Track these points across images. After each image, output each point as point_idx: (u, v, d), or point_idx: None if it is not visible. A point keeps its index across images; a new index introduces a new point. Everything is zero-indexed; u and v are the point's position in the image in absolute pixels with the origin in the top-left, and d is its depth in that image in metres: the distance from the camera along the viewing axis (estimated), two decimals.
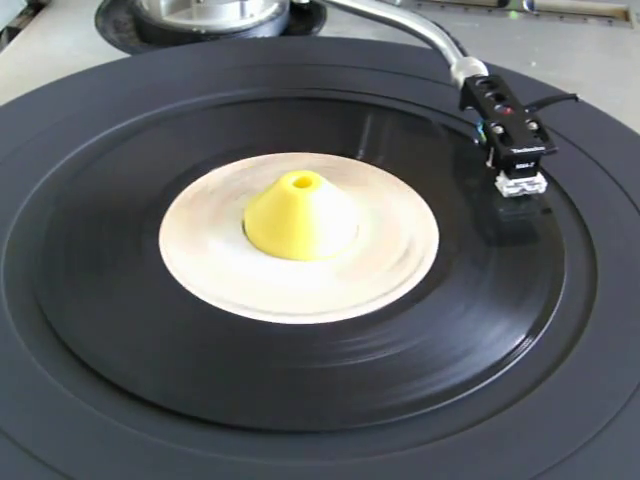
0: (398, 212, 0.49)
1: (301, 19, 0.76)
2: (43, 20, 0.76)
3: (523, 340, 0.41)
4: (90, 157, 0.52)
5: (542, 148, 0.48)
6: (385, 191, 0.51)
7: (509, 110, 0.51)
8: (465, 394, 0.38)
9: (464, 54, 0.57)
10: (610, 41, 0.75)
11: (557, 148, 0.48)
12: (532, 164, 0.48)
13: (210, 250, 0.46)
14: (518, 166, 0.48)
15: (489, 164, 0.51)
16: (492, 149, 0.50)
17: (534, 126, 0.49)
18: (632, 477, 0.36)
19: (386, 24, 0.64)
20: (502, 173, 0.49)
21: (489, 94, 0.52)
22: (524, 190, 0.49)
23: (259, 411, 0.38)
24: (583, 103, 0.54)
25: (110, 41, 0.72)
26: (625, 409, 0.38)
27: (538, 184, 0.49)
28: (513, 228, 0.49)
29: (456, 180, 0.53)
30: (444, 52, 0.58)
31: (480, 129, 0.50)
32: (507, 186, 0.49)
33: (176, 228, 0.47)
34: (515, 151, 0.48)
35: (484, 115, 0.51)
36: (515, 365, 0.40)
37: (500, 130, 0.49)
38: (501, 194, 0.49)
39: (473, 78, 0.54)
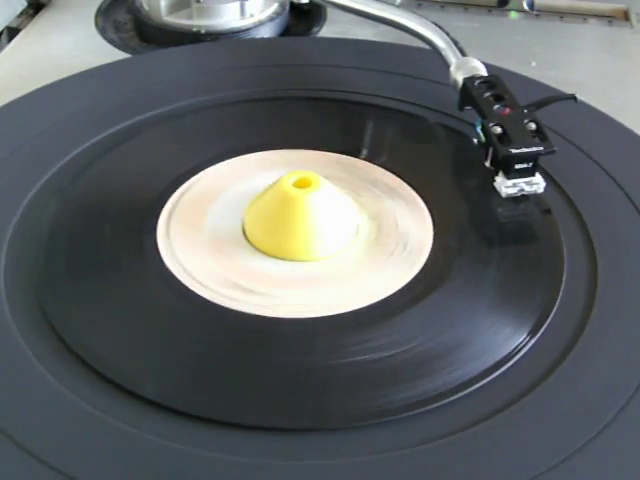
0: (398, 212, 0.49)
1: (301, 19, 0.76)
2: (43, 20, 0.76)
3: (523, 340, 0.41)
4: (90, 157, 0.52)
5: (540, 148, 0.48)
6: (385, 191, 0.51)
7: (508, 110, 0.51)
8: (465, 394, 0.38)
9: (463, 54, 0.57)
10: (610, 41, 0.75)
11: (556, 148, 0.48)
12: (530, 164, 0.48)
13: (210, 250, 0.46)
14: (517, 166, 0.48)
15: (487, 164, 0.51)
16: (491, 149, 0.50)
17: (533, 126, 0.49)
18: (632, 477, 0.36)
19: (386, 24, 0.64)
20: (501, 173, 0.49)
21: (488, 94, 0.52)
22: (522, 190, 0.49)
23: (260, 410, 0.38)
24: (583, 103, 0.54)
25: (110, 41, 0.72)
26: (625, 409, 0.38)
27: (537, 184, 0.49)
28: (513, 228, 0.49)
29: (456, 180, 0.53)
30: (443, 52, 0.58)
31: (479, 129, 0.50)
32: (505, 186, 0.49)
33: (176, 228, 0.47)
34: (513, 151, 0.48)
35: (483, 115, 0.51)
36: (515, 365, 0.40)
37: (499, 130, 0.49)
38: (500, 194, 0.49)
39: (472, 78, 0.54)
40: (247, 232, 0.47)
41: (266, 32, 0.72)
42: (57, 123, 0.55)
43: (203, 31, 0.70)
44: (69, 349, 0.40)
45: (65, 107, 0.57)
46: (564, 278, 0.44)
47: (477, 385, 0.39)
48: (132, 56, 0.68)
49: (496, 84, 0.53)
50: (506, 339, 0.41)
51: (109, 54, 0.69)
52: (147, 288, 0.44)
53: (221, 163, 0.52)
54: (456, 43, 0.58)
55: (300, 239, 0.46)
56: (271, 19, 0.73)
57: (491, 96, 0.52)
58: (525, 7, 0.78)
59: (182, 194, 0.50)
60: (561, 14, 0.79)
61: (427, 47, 0.61)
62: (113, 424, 0.37)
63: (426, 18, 0.61)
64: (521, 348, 0.41)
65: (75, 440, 0.36)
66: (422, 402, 0.38)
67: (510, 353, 0.40)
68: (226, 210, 0.49)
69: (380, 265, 0.45)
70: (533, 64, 0.69)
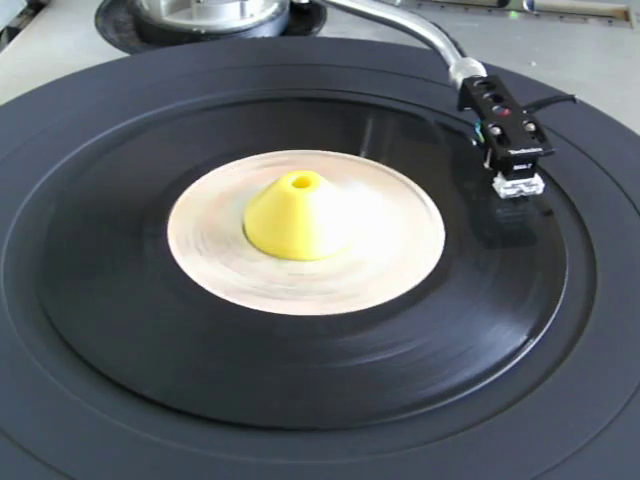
0: (397, 212, 0.49)
1: (301, 19, 0.77)
2: (43, 20, 0.76)
3: (524, 340, 0.41)
4: (90, 157, 0.52)
5: (539, 149, 0.48)
6: (385, 191, 0.51)
7: (507, 111, 0.50)
8: (465, 394, 0.38)
9: (463, 55, 0.57)
10: (610, 41, 0.75)
11: (555, 149, 0.48)
12: (529, 165, 0.48)
13: (210, 250, 0.46)
14: (515, 167, 0.48)
15: (486, 165, 0.51)
16: (490, 150, 0.50)
17: (532, 127, 0.49)
18: (632, 477, 0.36)
19: (385, 25, 0.64)
20: (499, 174, 0.49)
21: (487, 95, 0.52)
22: (521, 191, 0.49)
23: (259, 409, 0.38)
24: (583, 103, 0.54)
25: (110, 41, 0.72)
26: (625, 409, 0.38)
27: (535, 185, 0.49)
28: (513, 229, 0.49)
29: (456, 181, 0.53)
30: (443, 53, 0.58)
31: (478, 130, 0.50)
32: (504, 187, 0.49)
33: (176, 228, 0.47)
34: (512, 152, 0.48)
35: (482, 116, 0.51)
36: (515, 365, 0.40)
37: (498, 131, 0.49)
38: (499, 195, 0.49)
39: (471, 79, 0.54)
40: (247, 231, 0.47)
41: (266, 32, 0.72)
42: (57, 123, 0.55)
43: (203, 31, 0.70)
44: (69, 349, 0.40)
45: (65, 107, 0.57)
46: (565, 279, 0.44)
47: (477, 386, 0.39)
48: (132, 56, 0.68)
49: (495, 85, 0.53)
50: (507, 339, 0.41)
51: (109, 54, 0.69)
52: (147, 288, 0.44)
53: (221, 163, 0.52)
54: (456, 44, 0.58)
55: (300, 238, 0.46)
56: (271, 19, 0.73)
57: (490, 97, 0.52)
58: (525, 7, 0.78)
59: (182, 194, 0.50)
60: (561, 14, 0.79)
61: (427, 47, 0.61)
62: (113, 424, 0.37)
63: (426, 18, 0.61)
64: (522, 349, 0.41)
65: (75, 440, 0.36)
66: (421, 403, 0.38)
67: (511, 354, 0.40)
68: (226, 209, 0.49)
69: (380, 264, 0.45)
70: (533, 64, 0.69)
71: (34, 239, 0.46)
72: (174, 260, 0.45)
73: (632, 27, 0.77)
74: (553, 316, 0.42)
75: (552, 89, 0.59)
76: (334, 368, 0.40)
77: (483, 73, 0.55)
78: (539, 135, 0.49)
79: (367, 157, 0.53)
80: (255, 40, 0.71)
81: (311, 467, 0.36)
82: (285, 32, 0.75)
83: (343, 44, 0.67)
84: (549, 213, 0.49)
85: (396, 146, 0.56)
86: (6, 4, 0.74)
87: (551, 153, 0.48)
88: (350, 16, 0.68)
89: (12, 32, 0.74)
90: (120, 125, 0.55)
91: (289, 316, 0.42)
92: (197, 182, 0.51)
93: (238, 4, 0.71)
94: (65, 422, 0.37)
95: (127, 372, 0.39)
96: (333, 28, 0.74)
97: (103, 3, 0.77)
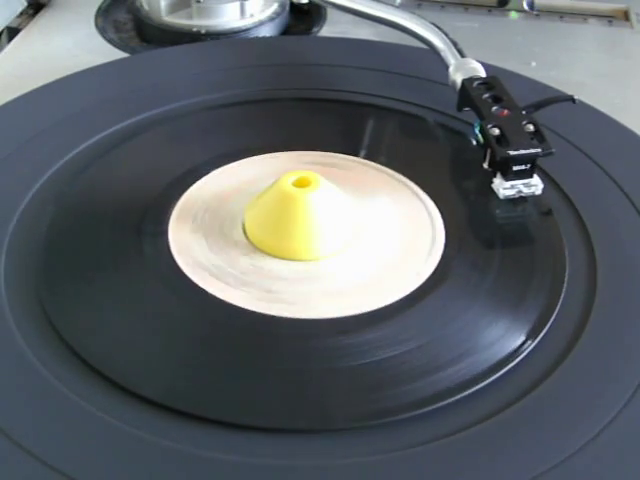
0: (397, 212, 0.49)
1: (301, 19, 0.77)
2: (43, 20, 0.76)
3: (523, 340, 0.41)
4: (90, 157, 0.52)
5: (538, 150, 0.48)
6: (384, 191, 0.51)
7: (506, 112, 0.50)
8: (465, 394, 0.38)
9: (462, 55, 0.57)
10: (610, 41, 0.75)
11: (554, 150, 0.48)
12: (528, 166, 0.48)
13: (209, 250, 0.46)
14: (514, 168, 0.48)
15: (485, 165, 0.51)
16: (489, 151, 0.50)
17: (531, 128, 0.49)
18: (631, 477, 0.36)
19: (385, 25, 0.64)
20: (498, 175, 0.49)
21: (486, 95, 0.52)
22: (520, 192, 0.49)
23: (260, 410, 0.38)
24: (583, 103, 0.54)
25: (110, 41, 0.72)
26: (625, 409, 0.38)
27: (535, 186, 0.49)
28: (513, 229, 0.49)
29: (456, 181, 0.53)
30: (442, 53, 0.58)
31: (477, 130, 0.50)
32: (503, 188, 0.49)
33: (176, 228, 0.47)
34: (511, 153, 0.48)
35: (481, 116, 0.51)
36: (515, 365, 0.40)
37: (497, 132, 0.49)
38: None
39: (471, 79, 0.54)
40: (247, 231, 0.47)
41: (266, 32, 0.72)
42: (57, 123, 0.55)
43: (203, 31, 0.71)
44: (69, 348, 0.40)
45: (65, 107, 0.57)
46: (564, 279, 0.44)
47: (477, 386, 0.39)
48: (132, 56, 0.68)
49: (495, 85, 0.53)
50: (507, 340, 0.41)
51: (109, 54, 0.69)
52: (147, 288, 0.44)
53: (220, 163, 0.52)
54: (455, 44, 0.58)
55: (300, 238, 0.46)
56: (271, 19, 0.73)
57: (490, 97, 0.52)
58: (525, 7, 0.78)
59: (182, 194, 0.50)
60: (561, 14, 0.79)
61: (427, 47, 0.61)
62: (113, 424, 0.37)
63: (425, 19, 0.61)
64: (522, 349, 0.41)
65: (75, 440, 0.36)
66: (422, 403, 0.38)
67: (511, 354, 0.40)
68: (226, 210, 0.49)
69: (380, 265, 0.45)
70: (533, 64, 0.69)
71: (34, 239, 0.46)
72: (174, 260, 0.45)
73: (632, 27, 0.77)
74: (553, 316, 0.42)
75: (552, 89, 0.59)
76: (334, 369, 0.40)
77: (482, 73, 0.55)
78: (538, 136, 0.49)
79: (366, 157, 0.53)
80: (255, 40, 0.71)
81: (311, 467, 0.36)
82: (285, 32, 0.75)
83: (343, 44, 0.67)
84: (549, 213, 0.49)
85: (395, 146, 0.56)
86: (6, 4, 0.75)
87: (550, 154, 0.48)
88: (350, 16, 0.68)
89: (12, 32, 0.74)
90: (120, 125, 0.56)
91: (289, 316, 0.42)
92: (197, 182, 0.51)
93: (238, 4, 0.71)
94: (65, 422, 0.37)
95: (127, 372, 0.39)
96: (333, 28, 0.74)
97: (103, 3, 0.77)
